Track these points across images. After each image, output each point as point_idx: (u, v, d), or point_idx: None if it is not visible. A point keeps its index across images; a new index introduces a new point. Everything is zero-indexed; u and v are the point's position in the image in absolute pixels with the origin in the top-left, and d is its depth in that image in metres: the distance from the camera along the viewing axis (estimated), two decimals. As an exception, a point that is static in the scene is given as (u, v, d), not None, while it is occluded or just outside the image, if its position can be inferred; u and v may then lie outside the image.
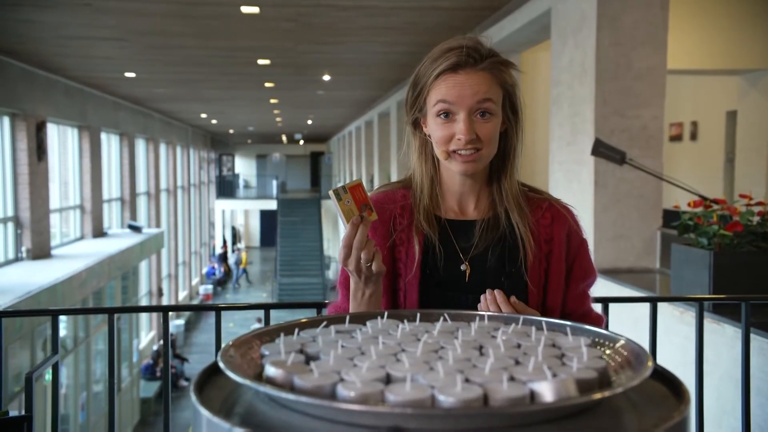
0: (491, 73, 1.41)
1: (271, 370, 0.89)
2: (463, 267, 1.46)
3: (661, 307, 3.88)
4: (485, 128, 1.40)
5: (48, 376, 2.42)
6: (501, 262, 1.45)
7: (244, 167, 38.81)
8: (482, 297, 1.39)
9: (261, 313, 2.53)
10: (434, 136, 1.43)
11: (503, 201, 1.48)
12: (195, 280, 25.40)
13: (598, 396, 0.80)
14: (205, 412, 0.81)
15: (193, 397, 0.85)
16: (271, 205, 30.45)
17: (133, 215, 16.21)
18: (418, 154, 1.52)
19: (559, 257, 1.47)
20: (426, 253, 1.46)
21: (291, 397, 0.79)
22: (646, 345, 2.46)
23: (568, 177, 5.57)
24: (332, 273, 25.68)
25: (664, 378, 0.95)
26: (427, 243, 1.46)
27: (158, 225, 18.61)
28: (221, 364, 0.89)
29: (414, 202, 1.50)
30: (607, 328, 2.30)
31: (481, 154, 1.41)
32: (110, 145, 15.42)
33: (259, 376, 0.93)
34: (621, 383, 0.86)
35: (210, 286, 25.44)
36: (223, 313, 2.46)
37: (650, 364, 0.89)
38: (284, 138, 34.04)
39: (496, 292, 1.38)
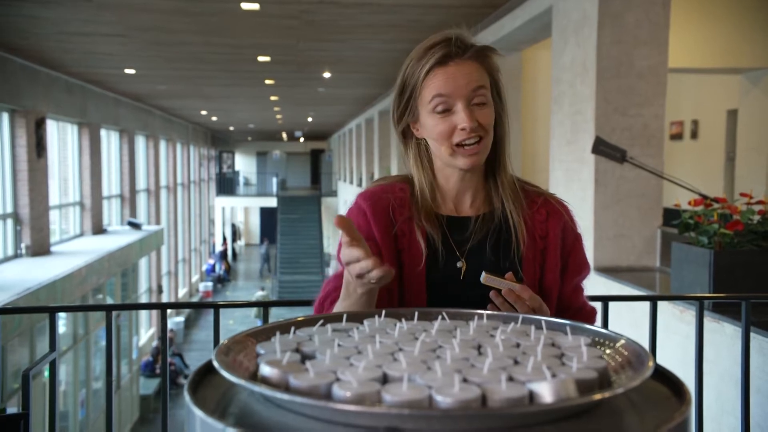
0: (479, 61, 1.41)
1: (266, 370, 0.88)
2: (459, 264, 1.44)
3: (661, 305, 3.87)
4: (484, 115, 1.39)
5: (47, 373, 2.41)
6: (496, 258, 1.44)
7: (244, 164, 38.80)
8: (493, 295, 1.33)
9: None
10: (433, 133, 1.41)
11: (499, 193, 1.47)
12: (195, 278, 25.40)
13: (598, 397, 0.79)
14: (198, 413, 0.80)
15: (187, 397, 0.84)
16: (271, 202, 30.44)
17: (133, 212, 16.21)
18: (415, 160, 1.50)
19: (554, 253, 1.46)
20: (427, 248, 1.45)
21: (286, 397, 0.78)
22: (645, 344, 2.46)
23: (569, 175, 5.56)
24: (332, 270, 25.68)
25: (665, 378, 0.93)
26: (428, 238, 1.45)
27: (158, 222, 18.60)
28: (216, 364, 0.88)
29: (416, 205, 1.47)
30: (606, 326, 2.29)
31: (484, 143, 1.40)
32: (110, 141, 15.40)
33: (254, 376, 0.91)
34: (621, 384, 0.85)
35: (210, 284, 25.44)
36: (223, 310, 2.45)
37: (651, 364, 0.87)
38: (284, 135, 34.03)
39: (520, 287, 1.31)
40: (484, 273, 1.32)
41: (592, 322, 1.51)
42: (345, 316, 1.14)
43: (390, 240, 1.44)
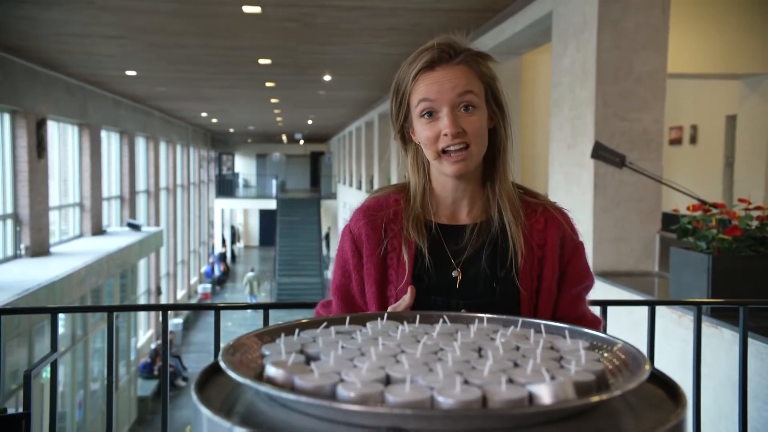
0: (468, 66, 1.40)
1: (271, 370, 0.89)
2: (454, 273, 1.43)
3: (660, 310, 3.88)
4: (470, 121, 1.38)
5: (45, 373, 2.42)
6: (492, 267, 1.43)
7: (244, 166, 38.79)
8: None
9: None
10: (421, 138, 1.41)
11: (497, 201, 1.45)
12: (194, 279, 25.39)
13: (595, 399, 0.80)
14: (205, 411, 0.81)
15: (194, 396, 0.85)
16: (271, 204, 30.44)
17: (133, 213, 16.21)
18: (413, 165, 1.50)
19: (552, 261, 1.44)
20: (417, 259, 1.44)
21: (291, 397, 0.79)
22: (644, 348, 2.47)
23: (568, 179, 5.58)
24: (331, 273, 25.59)
25: (661, 381, 0.95)
26: (418, 249, 1.44)
27: (157, 223, 18.60)
28: (222, 364, 0.89)
29: (406, 209, 1.47)
30: (605, 331, 2.30)
31: (470, 151, 1.38)
32: (110, 142, 15.41)
33: (259, 376, 0.93)
34: (618, 386, 0.87)
35: (208, 285, 25.43)
36: (221, 312, 2.46)
37: (647, 367, 0.89)
38: (284, 137, 34.03)
39: None
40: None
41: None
42: (348, 319, 1.16)
43: (378, 259, 1.45)
